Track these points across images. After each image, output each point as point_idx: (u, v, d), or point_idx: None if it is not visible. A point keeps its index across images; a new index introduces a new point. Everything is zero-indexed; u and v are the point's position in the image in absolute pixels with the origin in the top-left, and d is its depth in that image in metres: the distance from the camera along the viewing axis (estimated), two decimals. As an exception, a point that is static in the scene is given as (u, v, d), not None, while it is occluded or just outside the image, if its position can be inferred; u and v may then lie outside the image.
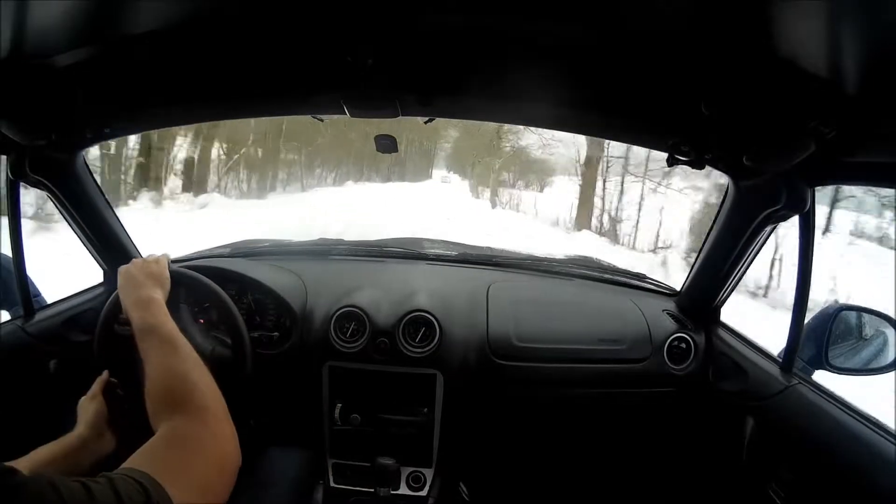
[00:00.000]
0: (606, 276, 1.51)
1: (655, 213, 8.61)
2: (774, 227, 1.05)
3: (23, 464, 0.69)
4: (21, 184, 1.08)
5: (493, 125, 10.78)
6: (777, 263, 5.89)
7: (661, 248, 8.20)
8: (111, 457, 0.80)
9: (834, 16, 0.53)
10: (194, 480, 0.48)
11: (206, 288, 1.06)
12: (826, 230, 7.01)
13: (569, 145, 10.06)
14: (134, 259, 0.89)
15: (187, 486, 0.46)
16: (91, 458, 0.78)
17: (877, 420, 0.85)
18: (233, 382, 1.01)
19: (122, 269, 0.86)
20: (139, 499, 0.41)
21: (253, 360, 1.06)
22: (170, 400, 0.58)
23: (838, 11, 0.52)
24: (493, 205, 12.80)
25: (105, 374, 0.89)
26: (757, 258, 1.15)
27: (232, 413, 0.62)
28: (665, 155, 0.94)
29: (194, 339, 0.98)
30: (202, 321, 1.25)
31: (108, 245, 1.30)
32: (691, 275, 1.31)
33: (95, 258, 1.33)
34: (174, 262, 1.44)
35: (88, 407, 0.83)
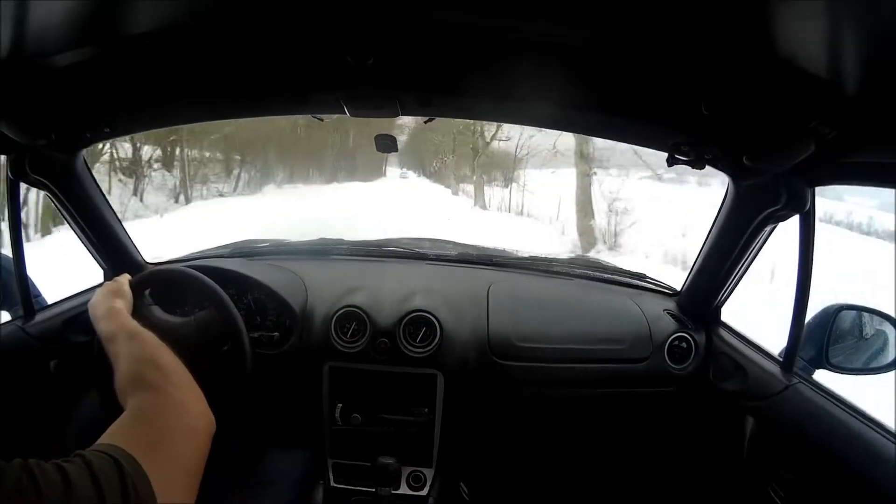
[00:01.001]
0: (607, 275, 1.51)
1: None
2: (774, 227, 1.05)
3: None
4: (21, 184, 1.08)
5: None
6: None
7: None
8: None
9: (834, 16, 0.53)
10: (166, 451, 0.49)
11: (203, 286, 1.06)
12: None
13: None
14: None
15: (159, 456, 0.47)
16: None
17: (877, 419, 0.85)
18: (233, 382, 1.01)
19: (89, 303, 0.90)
20: (112, 475, 0.42)
21: (253, 360, 1.06)
22: (133, 381, 0.60)
23: (838, 11, 0.52)
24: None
25: None
26: (757, 258, 1.15)
27: (232, 413, 0.62)
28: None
29: (171, 322, 0.99)
30: None
31: (108, 245, 1.30)
32: (691, 274, 1.31)
33: (95, 258, 1.33)
34: (177, 261, 1.46)
35: None
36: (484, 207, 10.74)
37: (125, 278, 0.94)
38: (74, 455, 0.43)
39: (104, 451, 0.44)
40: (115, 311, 0.78)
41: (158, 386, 0.58)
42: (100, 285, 1.35)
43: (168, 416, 0.54)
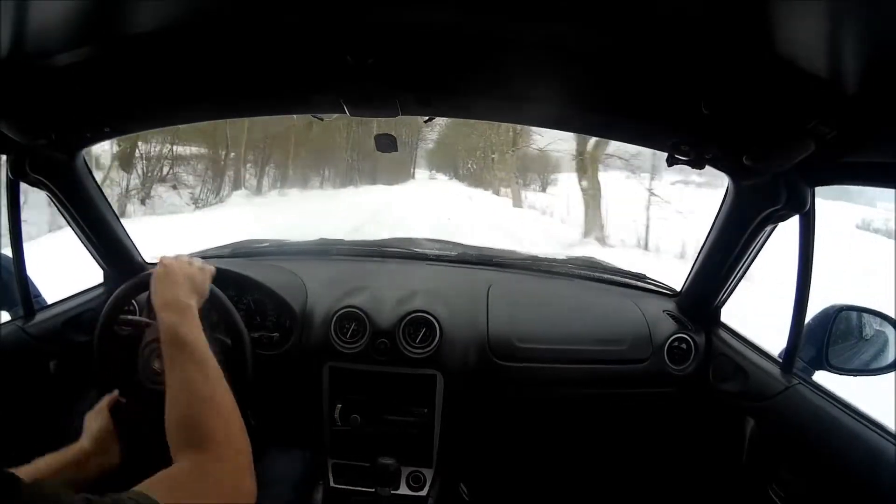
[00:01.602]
0: (606, 276, 1.51)
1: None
2: (774, 227, 1.05)
3: (25, 472, 0.69)
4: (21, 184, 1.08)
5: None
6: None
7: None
8: (117, 471, 0.80)
9: (834, 15, 0.53)
10: None
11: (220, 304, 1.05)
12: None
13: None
14: (177, 254, 0.85)
15: None
16: (96, 470, 0.78)
17: (877, 420, 0.85)
18: (233, 383, 1.01)
19: (164, 260, 0.82)
20: None
21: (253, 360, 1.06)
22: (191, 428, 0.58)
23: (838, 11, 0.52)
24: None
25: (115, 392, 0.89)
26: (757, 258, 1.15)
27: None
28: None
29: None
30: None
31: (108, 245, 1.30)
32: (691, 275, 1.31)
33: (95, 258, 1.33)
34: None
35: (94, 422, 0.83)
36: (603, 241, 6.42)
37: (210, 271, 0.85)
38: (107, 495, 0.42)
39: (140, 500, 0.43)
40: (191, 313, 0.72)
41: (217, 448, 0.56)
42: (99, 285, 1.36)
43: (219, 485, 0.53)
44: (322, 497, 1.26)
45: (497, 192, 10.12)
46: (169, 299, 0.73)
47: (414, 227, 6.50)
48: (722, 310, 1.30)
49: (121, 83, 0.88)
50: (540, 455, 1.46)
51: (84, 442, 0.80)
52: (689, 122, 0.86)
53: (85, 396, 1.22)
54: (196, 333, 0.69)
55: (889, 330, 1.01)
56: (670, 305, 1.37)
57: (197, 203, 8.69)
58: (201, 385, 0.62)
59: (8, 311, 1.26)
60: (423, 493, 1.25)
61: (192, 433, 0.57)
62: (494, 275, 1.46)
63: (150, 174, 8.10)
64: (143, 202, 7.95)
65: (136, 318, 1.06)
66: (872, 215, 7.73)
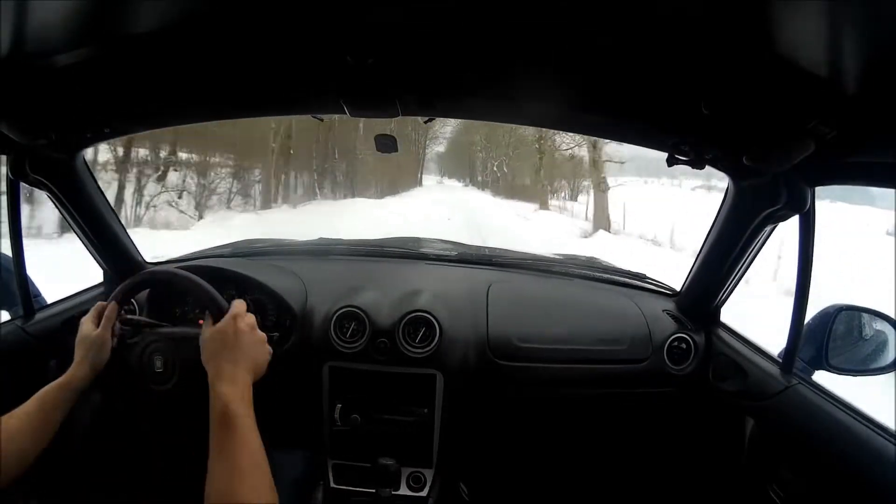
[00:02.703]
0: (606, 275, 1.51)
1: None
2: (774, 227, 1.05)
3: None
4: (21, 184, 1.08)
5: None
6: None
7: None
8: (118, 468, 0.80)
9: (834, 15, 0.53)
10: None
11: (193, 286, 1.05)
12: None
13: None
14: (242, 314, 0.79)
15: None
16: (90, 374, 0.86)
17: (877, 420, 0.85)
18: None
19: (234, 316, 0.76)
20: None
21: None
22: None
23: (838, 11, 0.52)
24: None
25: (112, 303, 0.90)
26: (757, 258, 1.15)
27: None
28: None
29: (192, 344, 0.96)
30: (202, 322, 1.25)
31: (108, 245, 1.30)
32: (691, 275, 1.31)
33: (95, 258, 1.33)
34: (175, 261, 1.45)
35: (84, 325, 0.88)
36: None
37: (269, 352, 0.80)
38: None
39: None
40: (249, 392, 0.70)
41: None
42: (99, 285, 1.36)
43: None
44: (322, 497, 1.26)
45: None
46: (226, 372, 0.69)
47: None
48: (721, 309, 1.30)
49: (121, 83, 0.88)
50: (540, 455, 1.46)
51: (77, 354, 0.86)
52: (689, 122, 0.86)
53: (85, 396, 1.22)
54: (248, 413, 0.67)
55: (889, 330, 1.01)
56: (670, 305, 1.37)
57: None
58: (244, 465, 0.62)
59: (8, 310, 1.26)
60: (424, 493, 1.25)
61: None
62: (494, 274, 1.46)
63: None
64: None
65: (137, 317, 1.06)
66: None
